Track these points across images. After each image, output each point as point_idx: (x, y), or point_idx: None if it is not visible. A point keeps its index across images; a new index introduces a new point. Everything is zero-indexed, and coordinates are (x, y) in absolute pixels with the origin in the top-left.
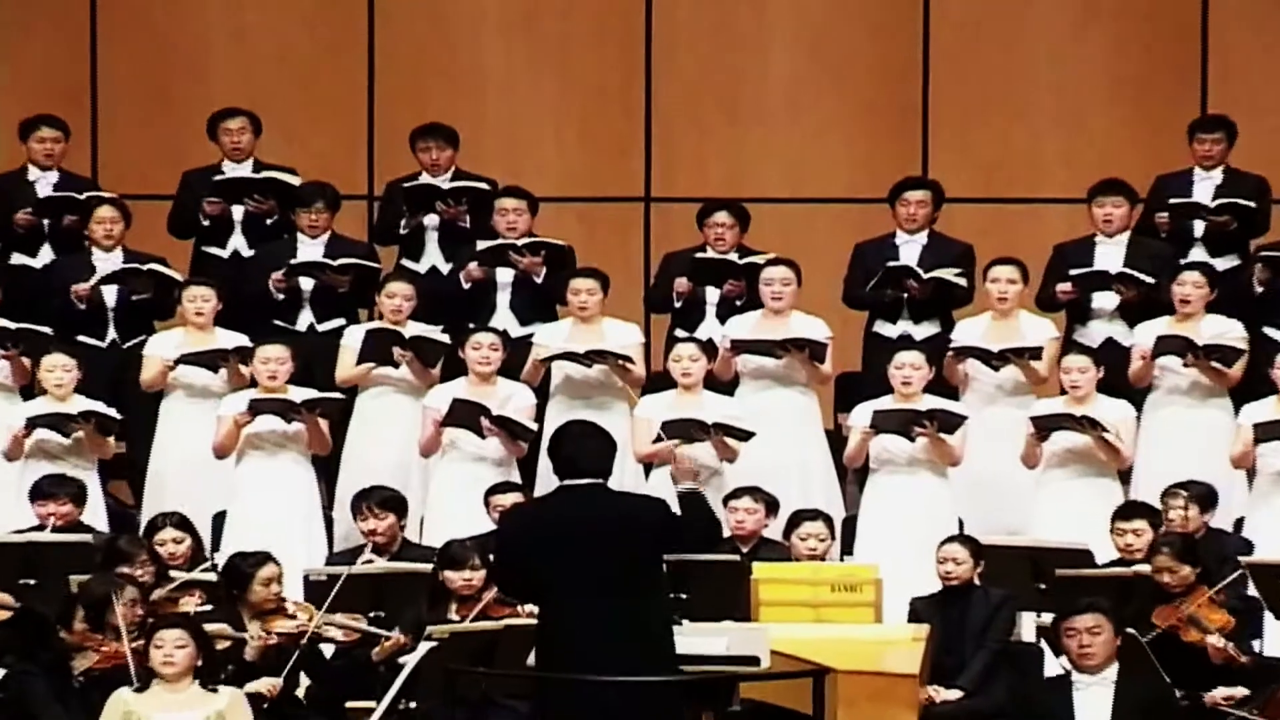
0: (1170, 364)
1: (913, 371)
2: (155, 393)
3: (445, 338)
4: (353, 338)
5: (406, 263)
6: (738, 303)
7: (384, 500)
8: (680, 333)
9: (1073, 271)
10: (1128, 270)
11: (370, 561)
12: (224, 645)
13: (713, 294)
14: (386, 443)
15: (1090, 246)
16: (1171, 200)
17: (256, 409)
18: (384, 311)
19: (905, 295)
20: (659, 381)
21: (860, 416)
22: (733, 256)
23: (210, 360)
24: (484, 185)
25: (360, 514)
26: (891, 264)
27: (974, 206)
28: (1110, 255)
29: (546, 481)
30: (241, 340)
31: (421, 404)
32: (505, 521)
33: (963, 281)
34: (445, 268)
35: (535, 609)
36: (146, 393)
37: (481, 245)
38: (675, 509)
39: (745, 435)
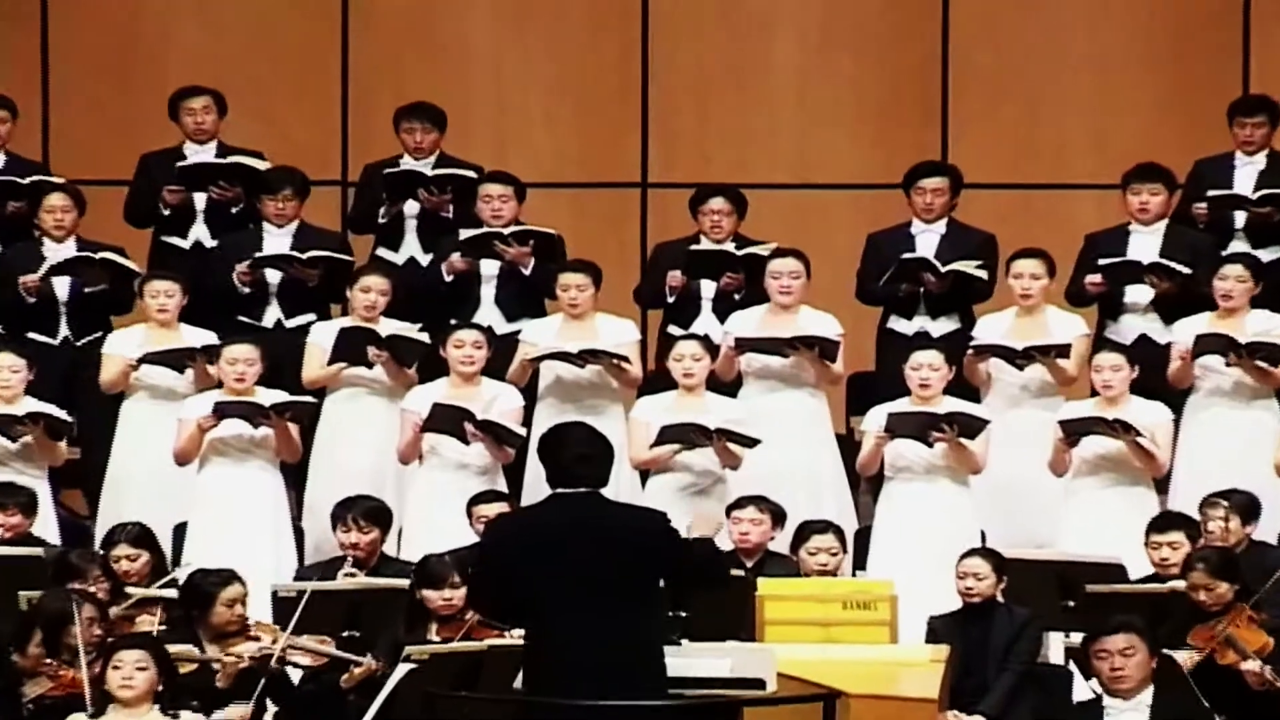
0: (1212, 364)
1: (931, 372)
2: (112, 394)
3: (424, 336)
4: (321, 335)
5: (383, 252)
6: (735, 297)
7: (368, 512)
8: (675, 329)
9: (1101, 261)
10: (1161, 260)
11: (352, 575)
12: (188, 669)
13: (708, 287)
14: (359, 448)
15: (1124, 236)
16: (1210, 193)
17: (221, 412)
18: (356, 307)
19: (922, 289)
20: (655, 381)
21: (874, 420)
22: (730, 246)
23: (176, 360)
24: (470, 173)
25: (343, 525)
26: (907, 256)
27: (996, 193)
28: (1146, 245)
29: (534, 490)
30: (209, 338)
31: (399, 407)
32: (490, 531)
33: (983, 275)
34: (425, 259)
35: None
36: (103, 394)
37: (465, 234)
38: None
39: (750, 442)
